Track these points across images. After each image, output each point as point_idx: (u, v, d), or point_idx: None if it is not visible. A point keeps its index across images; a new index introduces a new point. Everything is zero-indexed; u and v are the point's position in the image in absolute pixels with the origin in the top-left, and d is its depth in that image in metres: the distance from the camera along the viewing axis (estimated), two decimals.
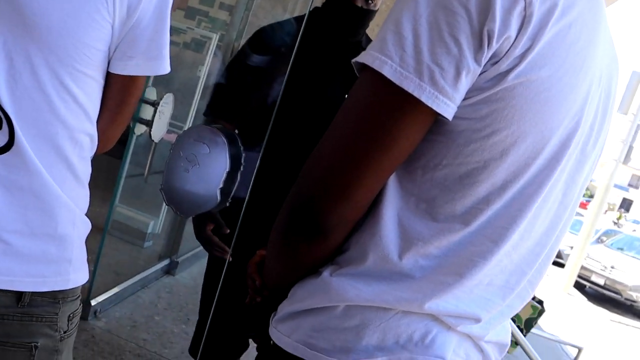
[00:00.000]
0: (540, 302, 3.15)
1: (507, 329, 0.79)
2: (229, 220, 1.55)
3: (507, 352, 0.80)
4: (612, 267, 9.90)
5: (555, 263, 11.74)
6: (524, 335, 3.01)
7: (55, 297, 0.92)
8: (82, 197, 0.94)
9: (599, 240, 11.37)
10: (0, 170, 0.82)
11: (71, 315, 0.96)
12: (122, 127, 0.99)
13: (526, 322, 3.08)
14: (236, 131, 1.57)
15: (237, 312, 1.55)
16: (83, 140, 0.90)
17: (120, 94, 0.93)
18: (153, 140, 2.25)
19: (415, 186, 0.66)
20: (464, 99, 0.63)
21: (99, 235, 2.52)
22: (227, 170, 1.35)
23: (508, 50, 0.60)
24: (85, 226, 0.96)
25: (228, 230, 1.53)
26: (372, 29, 1.55)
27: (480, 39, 0.60)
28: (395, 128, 0.62)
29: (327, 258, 0.70)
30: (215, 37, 3.18)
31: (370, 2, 1.50)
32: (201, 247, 3.76)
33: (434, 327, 0.68)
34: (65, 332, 0.95)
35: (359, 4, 1.49)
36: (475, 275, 0.67)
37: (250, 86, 1.58)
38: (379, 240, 0.66)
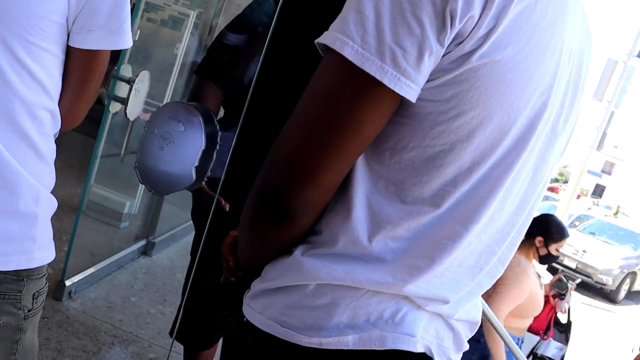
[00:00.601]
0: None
1: (478, 307, 0.80)
2: (207, 199, 1.54)
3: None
4: (584, 251, 10.14)
5: None
6: None
7: (19, 275, 0.90)
8: (45, 174, 0.92)
9: (572, 225, 11.63)
10: None
11: (36, 293, 0.94)
12: (88, 103, 0.97)
13: None
14: (222, 98, 1.54)
15: (213, 292, 1.54)
16: (43, 116, 0.88)
17: (81, 69, 0.91)
18: (129, 119, 2.21)
19: (384, 169, 0.66)
20: (429, 81, 0.62)
21: (73, 215, 2.49)
22: (203, 148, 1.33)
23: (472, 30, 0.60)
24: (51, 204, 0.94)
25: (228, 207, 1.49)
26: None
27: (443, 19, 0.59)
28: (359, 111, 0.61)
29: (297, 239, 0.70)
30: (193, 15, 3.12)
31: None
32: (178, 228, 3.73)
33: (404, 305, 0.69)
34: (29, 311, 0.94)
35: None
36: (446, 259, 0.67)
37: (227, 65, 1.56)
38: (349, 224, 0.66)
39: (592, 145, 10.67)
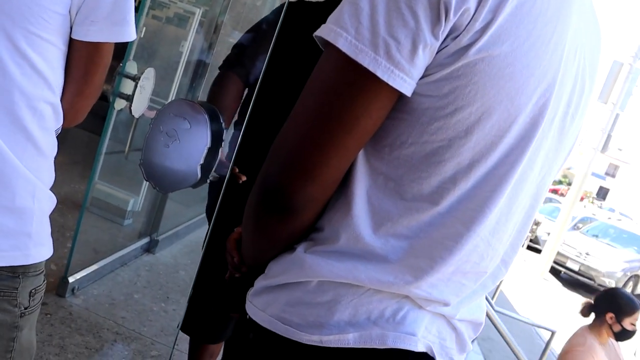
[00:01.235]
0: None
1: (481, 308, 0.80)
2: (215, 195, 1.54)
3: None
4: (587, 254, 10.12)
5: (532, 249, 11.97)
6: None
7: (15, 272, 0.89)
8: (44, 169, 0.90)
9: (575, 227, 11.60)
10: None
11: (33, 290, 0.93)
12: (92, 99, 0.96)
13: None
14: (245, 91, 1.54)
15: (218, 287, 1.55)
16: (44, 109, 0.86)
17: (85, 62, 0.90)
18: (134, 116, 2.21)
19: (383, 164, 0.66)
20: (426, 76, 0.62)
21: (77, 212, 2.49)
22: (208, 146, 1.33)
23: (468, 23, 0.59)
24: (49, 200, 0.92)
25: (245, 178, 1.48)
26: None
27: (437, 12, 0.58)
28: (355, 105, 0.61)
29: (300, 235, 0.70)
30: (198, 12, 3.12)
31: None
32: (182, 226, 3.74)
33: (405, 304, 0.68)
34: (26, 308, 0.92)
35: None
36: (448, 259, 0.66)
37: (249, 59, 1.56)
38: (350, 220, 0.66)
39: (596, 148, 10.63)
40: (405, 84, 0.61)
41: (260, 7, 4.03)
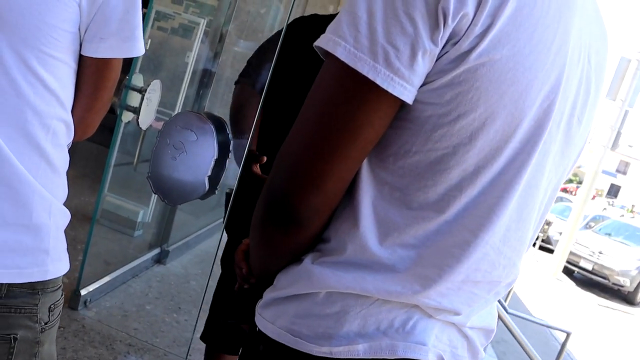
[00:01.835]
0: None
1: (493, 315, 0.79)
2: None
3: None
4: (600, 253, 10.02)
5: (544, 249, 11.87)
6: None
7: (34, 288, 0.90)
8: (58, 185, 0.91)
9: (587, 226, 11.49)
10: None
11: (52, 306, 0.94)
12: (101, 113, 0.97)
13: None
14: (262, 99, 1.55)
15: (229, 299, 1.55)
16: (56, 127, 0.87)
17: (95, 78, 0.91)
18: (141, 128, 2.23)
19: (388, 174, 0.65)
20: (427, 83, 0.61)
21: (88, 225, 2.51)
22: (215, 157, 1.34)
23: (467, 28, 0.58)
24: (63, 216, 0.94)
25: (265, 159, 1.47)
26: None
27: (435, 18, 0.58)
28: (356, 114, 0.61)
29: (307, 246, 0.70)
30: (203, 23, 3.14)
31: None
32: (192, 236, 3.74)
33: (414, 314, 0.68)
34: (46, 324, 0.93)
35: None
36: (457, 269, 0.66)
37: (262, 71, 1.57)
38: (357, 231, 0.66)
39: (606, 145, 10.55)
40: (406, 91, 0.60)
41: (264, 15, 4.05)
